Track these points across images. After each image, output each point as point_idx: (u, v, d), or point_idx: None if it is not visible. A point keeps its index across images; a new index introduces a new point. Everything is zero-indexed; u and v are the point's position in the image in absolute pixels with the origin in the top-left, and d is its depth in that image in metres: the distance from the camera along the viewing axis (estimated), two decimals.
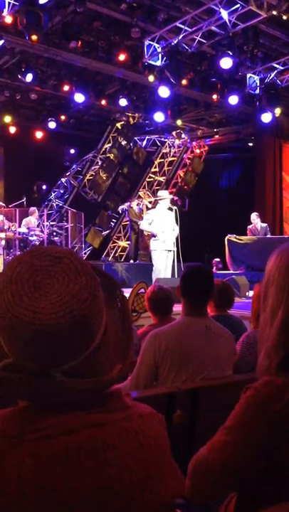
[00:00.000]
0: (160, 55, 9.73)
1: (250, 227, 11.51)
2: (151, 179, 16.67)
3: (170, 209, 8.41)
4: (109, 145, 15.33)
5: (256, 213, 11.74)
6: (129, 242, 14.03)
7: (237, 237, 11.37)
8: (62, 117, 13.80)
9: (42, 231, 11.48)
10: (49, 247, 0.96)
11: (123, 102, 12.16)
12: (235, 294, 4.16)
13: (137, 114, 14.48)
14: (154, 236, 8.29)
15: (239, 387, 1.26)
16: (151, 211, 9.07)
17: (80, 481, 0.84)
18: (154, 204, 10.04)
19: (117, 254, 15.85)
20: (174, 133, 15.92)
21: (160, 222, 8.24)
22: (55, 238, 12.28)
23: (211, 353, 2.51)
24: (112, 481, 0.86)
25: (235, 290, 4.54)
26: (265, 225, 11.58)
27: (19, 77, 10.64)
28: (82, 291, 0.88)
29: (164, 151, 16.60)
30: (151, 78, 10.11)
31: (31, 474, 0.82)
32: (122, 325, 1.01)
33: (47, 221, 12.19)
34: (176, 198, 11.48)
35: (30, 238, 11.09)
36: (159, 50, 9.64)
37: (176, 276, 8.11)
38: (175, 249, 8.32)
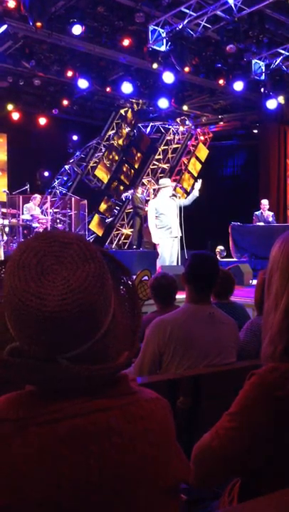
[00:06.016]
0: (165, 40, 9.62)
1: (257, 213, 11.48)
2: (155, 166, 16.59)
3: (173, 196, 8.37)
4: (113, 132, 15.24)
5: (267, 200, 11.74)
6: (132, 230, 14.01)
7: (241, 224, 11.34)
8: (66, 103, 13.71)
9: (45, 218, 11.50)
10: (57, 231, 0.94)
11: (127, 88, 12.00)
12: (237, 282, 4.15)
13: (141, 101, 14.38)
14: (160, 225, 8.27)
15: (243, 374, 1.26)
16: (152, 201, 9.04)
17: (85, 465, 0.84)
18: (157, 192, 9.96)
19: (120, 242, 15.85)
20: (178, 119, 15.81)
21: (164, 210, 8.22)
22: (59, 225, 12.29)
23: (215, 340, 2.51)
24: (117, 464, 0.87)
25: (238, 278, 4.53)
26: (271, 213, 11.58)
27: (22, 62, 10.57)
28: (90, 279, 0.87)
29: (168, 137, 16.50)
30: (155, 66, 10.02)
31: (36, 457, 0.82)
32: (130, 311, 1.00)
33: (50, 208, 12.18)
34: (179, 185, 11.43)
35: (33, 225, 11.12)
36: (164, 35, 9.54)
37: (179, 264, 8.11)
38: (179, 236, 8.31)
